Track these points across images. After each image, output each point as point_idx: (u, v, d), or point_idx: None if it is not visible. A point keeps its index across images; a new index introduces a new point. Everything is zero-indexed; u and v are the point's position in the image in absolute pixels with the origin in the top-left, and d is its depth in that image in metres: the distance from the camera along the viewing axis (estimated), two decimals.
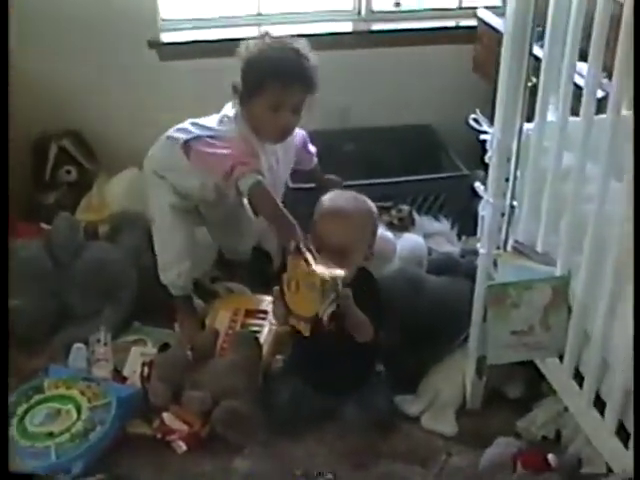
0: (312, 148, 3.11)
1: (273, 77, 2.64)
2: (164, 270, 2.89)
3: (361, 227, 2.51)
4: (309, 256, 2.33)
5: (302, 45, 2.71)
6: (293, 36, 2.76)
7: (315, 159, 3.14)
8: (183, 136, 2.74)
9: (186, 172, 2.76)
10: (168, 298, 2.92)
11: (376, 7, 3.76)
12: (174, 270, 2.87)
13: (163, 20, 3.55)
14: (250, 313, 2.89)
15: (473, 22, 3.59)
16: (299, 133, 3.01)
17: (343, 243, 2.45)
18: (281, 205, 2.63)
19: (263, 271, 3.19)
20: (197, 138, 2.72)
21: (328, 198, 2.55)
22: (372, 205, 2.57)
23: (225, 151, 2.64)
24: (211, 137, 2.71)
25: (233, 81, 2.72)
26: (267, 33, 2.75)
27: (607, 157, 1.86)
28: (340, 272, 2.31)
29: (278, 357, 2.69)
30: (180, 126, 2.81)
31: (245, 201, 2.90)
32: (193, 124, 2.79)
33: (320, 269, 2.30)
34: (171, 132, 2.81)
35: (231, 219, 2.98)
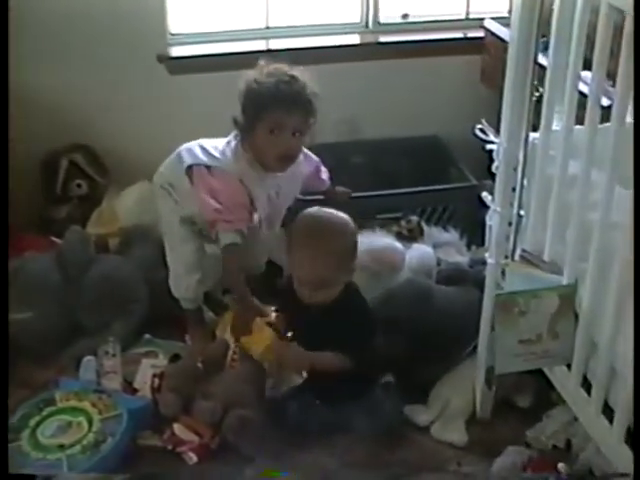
0: (325, 174, 3.11)
1: (271, 101, 2.65)
2: (174, 283, 2.91)
3: (335, 254, 2.52)
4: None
5: (300, 72, 2.71)
6: (292, 65, 2.75)
7: (328, 182, 3.14)
8: (189, 160, 2.76)
9: (189, 195, 2.78)
10: (179, 311, 2.94)
11: (383, 19, 3.77)
12: (183, 283, 2.89)
13: (172, 34, 3.57)
14: None
15: (480, 33, 3.60)
16: (312, 160, 3.02)
17: (317, 276, 2.52)
18: (238, 275, 2.71)
19: (274, 283, 3.20)
20: (198, 165, 2.75)
21: (301, 225, 2.58)
22: (348, 222, 2.59)
23: (212, 199, 2.67)
24: (212, 167, 2.74)
25: (233, 115, 2.74)
26: (264, 64, 2.75)
27: (611, 165, 1.87)
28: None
29: None
30: (190, 146, 2.82)
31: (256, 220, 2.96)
32: (201, 147, 2.80)
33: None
34: (182, 151, 2.83)
35: (278, 218, 3.01)
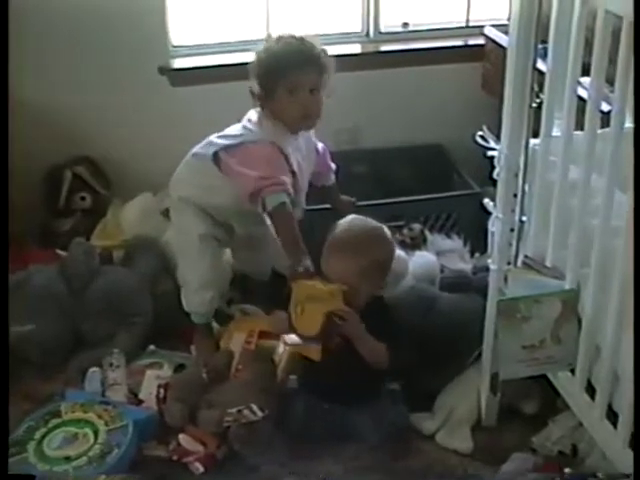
0: (332, 164, 3.16)
1: (284, 64, 2.74)
2: (187, 298, 2.92)
3: (364, 265, 2.47)
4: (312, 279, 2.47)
5: (307, 36, 2.81)
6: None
7: (333, 176, 3.18)
8: (212, 149, 2.82)
9: (218, 186, 2.82)
10: (187, 322, 2.95)
11: (384, 28, 3.78)
12: (197, 299, 2.90)
13: (173, 46, 3.58)
14: (264, 334, 2.90)
15: (481, 40, 3.60)
16: (321, 145, 3.09)
17: (342, 281, 2.46)
18: (298, 233, 2.70)
19: (279, 293, 3.21)
20: (225, 148, 2.80)
21: (338, 230, 2.54)
22: (384, 234, 2.56)
23: (252, 170, 2.71)
24: (239, 145, 2.79)
25: (250, 86, 2.81)
26: (269, 34, 2.89)
27: (611, 170, 1.88)
28: (338, 286, 2.40)
29: (292, 377, 2.70)
30: (206, 141, 2.88)
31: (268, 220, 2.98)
32: (218, 136, 2.87)
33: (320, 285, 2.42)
34: (197, 149, 2.89)
35: (257, 237, 3.04)
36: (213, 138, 2.87)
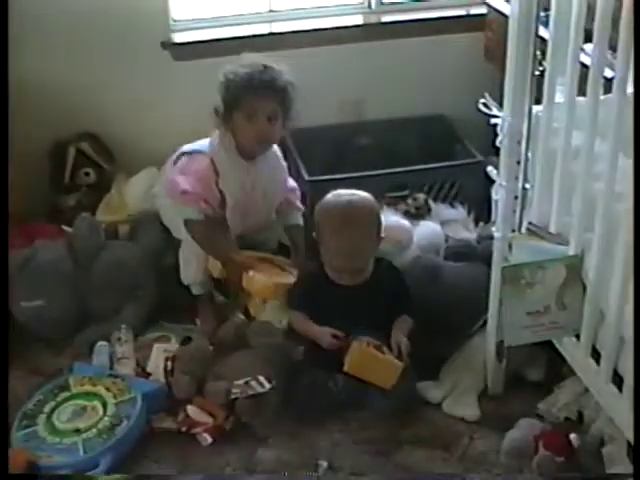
0: (300, 205, 3.13)
1: (245, 89, 2.79)
2: (184, 270, 2.97)
3: (372, 235, 2.66)
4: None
5: (276, 63, 2.83)
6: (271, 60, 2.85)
7: (298, 217, 3.13)
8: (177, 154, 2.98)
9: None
10: (190, 299, 2.98)
11: None
12: (192, 268, 2.94)
13: (175, 21, 3.57)
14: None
15: (483, 9, 3.58)
16: (292, 185, 3.10)
17: (360, 263, 2.66)
18: (208, 244, 2.89)
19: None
20: (183, 154, 2.95)
21: (334, 211, 2.66)
22: (371, 199, 2.71)
23: (180, 177, 2.86)
24: (186, 153, 2.93)
25: (214, 105, 2.84)
26: (242, 57, 2.87)
27: (615, 135, 1.87)
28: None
29: (300, 348, 2.71)
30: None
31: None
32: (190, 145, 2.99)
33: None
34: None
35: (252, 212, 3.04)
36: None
